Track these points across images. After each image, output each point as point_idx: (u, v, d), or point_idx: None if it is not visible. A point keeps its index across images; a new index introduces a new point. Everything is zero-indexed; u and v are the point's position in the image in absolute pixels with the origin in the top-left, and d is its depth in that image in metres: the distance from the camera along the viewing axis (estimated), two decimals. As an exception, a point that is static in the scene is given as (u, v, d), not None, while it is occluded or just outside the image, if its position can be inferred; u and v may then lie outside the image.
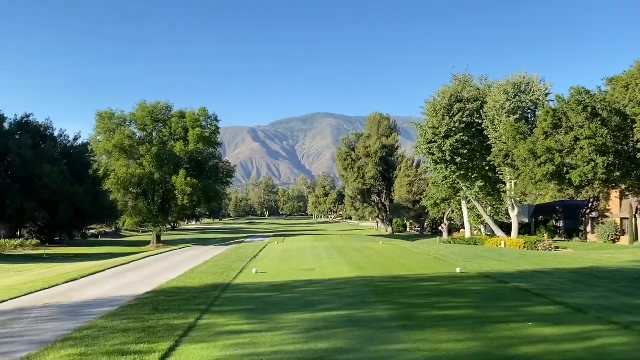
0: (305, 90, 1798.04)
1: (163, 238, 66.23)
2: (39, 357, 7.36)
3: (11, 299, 13.51)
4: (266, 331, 8.93)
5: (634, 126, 35.79)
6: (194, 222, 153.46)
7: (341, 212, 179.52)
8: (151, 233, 67.44)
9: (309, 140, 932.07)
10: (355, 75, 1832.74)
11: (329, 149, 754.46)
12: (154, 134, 63.54)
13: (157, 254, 32.09)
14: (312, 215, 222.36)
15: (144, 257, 28.99)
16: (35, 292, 14.82)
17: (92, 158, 59.88)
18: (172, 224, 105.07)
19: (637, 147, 36.14)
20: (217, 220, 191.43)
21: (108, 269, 21.70)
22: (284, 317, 10.21)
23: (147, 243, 63.15)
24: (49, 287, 15.70)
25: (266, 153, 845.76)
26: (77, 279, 17.85)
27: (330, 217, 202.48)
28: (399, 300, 12.18)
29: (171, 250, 37.16)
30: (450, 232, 69.77)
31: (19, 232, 63.53)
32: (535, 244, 40.96)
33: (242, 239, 63.50)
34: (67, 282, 17.07)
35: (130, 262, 25.24)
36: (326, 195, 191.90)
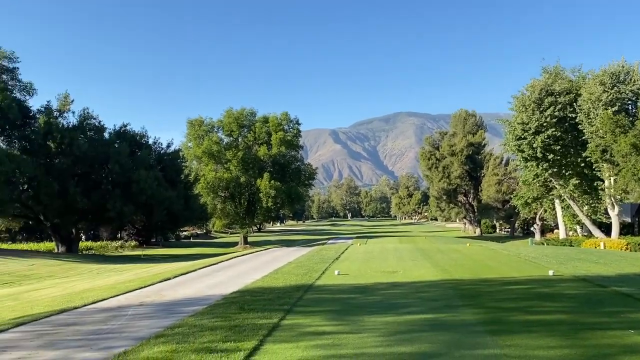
0: (387, 89, 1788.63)
1: (249, 239, 68.44)
2: (135, 352, 7.80)
3: (112, 296, 14.50)
4: (349, 333, 8.89)
5: None
6: (278, 224, 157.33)
7: (426, 213, 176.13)
8: (239, 234, 69.94)
9: (391, 141, 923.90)
10: (438, 71, 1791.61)
11: (412, 148, 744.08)
12: (240, 139, 65.84)
13: (243, 255, 33.13)
14: (395, 216, 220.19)
15: (232, 258, 30.03)
16: (133, 290, 15.80)
17: (183, 164, 63.06)
18: (258, 226, 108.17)
19: None
20: (301, 222, 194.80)
21: (198, 269, 22.70)
22: (366, 320, 10.13)
23: (235, 244, 65.55)
24: (145, 286, 16.67)
25: (347, 154, 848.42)
26: (170, 279, 18.83)
27: (415, 218, 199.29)
28: (486, 304, 11.69)
29: (257, 251, 38.21)
30: (543, 233, 66.32)
31: (119, 235, 68.26)
32: (639, 245, 37.92)
33: (325, 241, 64.13)
34: (160, 281, 18.04)
35: (218, 263, 26.24)
36: (410, 196, 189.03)
